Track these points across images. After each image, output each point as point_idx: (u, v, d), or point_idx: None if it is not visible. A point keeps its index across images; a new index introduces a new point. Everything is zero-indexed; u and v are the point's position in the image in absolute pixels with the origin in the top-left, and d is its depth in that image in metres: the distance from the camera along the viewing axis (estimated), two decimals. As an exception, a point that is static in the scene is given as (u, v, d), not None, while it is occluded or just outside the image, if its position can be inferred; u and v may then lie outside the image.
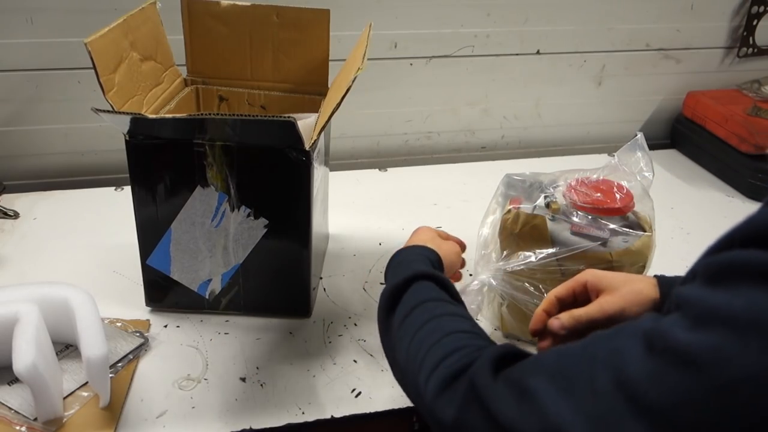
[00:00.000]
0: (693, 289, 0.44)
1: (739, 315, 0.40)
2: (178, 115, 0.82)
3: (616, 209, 0.86)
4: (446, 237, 0.90)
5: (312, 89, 1.05)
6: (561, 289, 0.76)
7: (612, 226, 0.86)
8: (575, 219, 0.87)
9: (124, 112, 0.81)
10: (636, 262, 0.86)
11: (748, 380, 0.39)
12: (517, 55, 1.47)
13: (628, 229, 0.86)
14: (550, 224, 0.87)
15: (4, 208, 1.19)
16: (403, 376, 0.65)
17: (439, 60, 1.43)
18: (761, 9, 1.54)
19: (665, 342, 0.43)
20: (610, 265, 0.84)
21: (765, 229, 0.42)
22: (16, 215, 1.19)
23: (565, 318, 0.72)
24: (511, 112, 1.55)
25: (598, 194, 0.88)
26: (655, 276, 0.74)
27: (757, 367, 0.38)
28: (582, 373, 0.46)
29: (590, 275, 0.75)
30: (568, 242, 0.86)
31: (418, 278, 0.71)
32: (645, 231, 0.87)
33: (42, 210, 1.22)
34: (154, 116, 0.79)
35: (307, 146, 0.83)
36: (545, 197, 0.90)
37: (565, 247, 0.86)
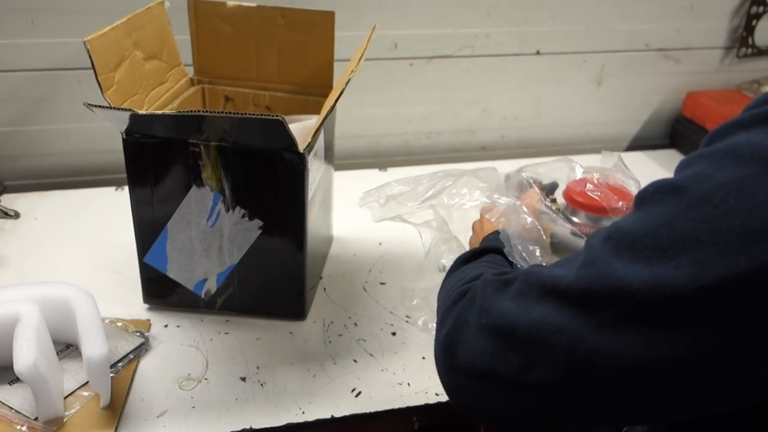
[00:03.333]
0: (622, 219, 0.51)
1: (719, 149, 0.46)
2: (168, 112, 0.82)
3: (616, 209, 0.86)
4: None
5: (317, 91, 1.05)
6: None
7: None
8: (576, 220, 0.87)
9: (115, 108, 0.81)
10: None
11: (722, 188, 0.43)
12: (517, 55, 1.47)
13: None
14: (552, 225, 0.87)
15: (5, 208, 1.19)
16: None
17: (439, 60, 1.43)
18: (761, 9, 1.54)
19: (651, 188, 0.48)
20: None
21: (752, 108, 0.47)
22: (16, 215, 1.19)
23: None
24: (511, 112, 1.55)
25: (598, 193, 0.88)
26: None
27: (729, 178, 0.43)
28: (576, 255, 0.51)
29: None
30: (567, 243, 0.86)
31: (491, 251, 0.74)
32: None
33: (42, 210, 1.22)
34: (144, 112, 0.80)
35: (301, 148, 0.83)
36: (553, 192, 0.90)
37: (565, 247, 0.86)
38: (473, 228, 0.90)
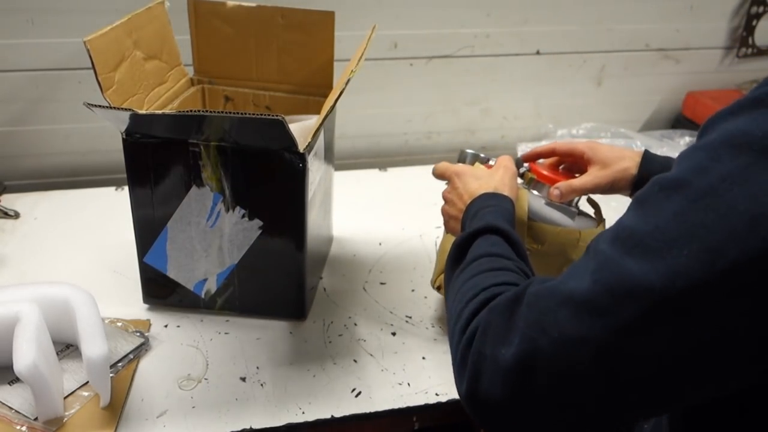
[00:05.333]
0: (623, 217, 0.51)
1: (714, 140, 0.47)
2: (168, 112, 0.82)
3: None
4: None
5: (317, 91, 1.05)
6: (562, 146, 0.91)
7: (578, 204, 0.91)
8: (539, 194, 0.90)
9: (115, 108, 0.81)
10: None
11: (725, 179, 0.44)
12: (517, 55, 1.47)
13: (589, 214, 0.92)
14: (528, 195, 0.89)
15: (5, 208, 1.19)
16: (449, 329, 0.64)
17: (439, 60, 1.43)
18: (760, 9, 1.54)
19: (653, 186, 0.49)
20: (576, 243, 0.87)
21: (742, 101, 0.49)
22: (16, 215, 1.19)
23: (564, 187, 0.87)
24: (511, 112, 1.55)
25: (563, 166, 0.93)
26: (645, 151, 0.86)
27: (730, 168, 0.44)
28: (585, 263, 0.51)
29: (587, 148, 0.88)
30: (542, 214, 0.88)
31: (485, 231, 0.70)
32: (598, 221, 0.91)
33: (43, 210, 1.22)
34: (144, 112, 0.80)
35: (301, 148, 0.83)
36: (521, 168, 0.92)
37: (540, 218, 0.88)
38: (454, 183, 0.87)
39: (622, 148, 0.88)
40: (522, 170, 0.92)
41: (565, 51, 1.50)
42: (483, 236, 0.70)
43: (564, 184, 0.87)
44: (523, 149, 0.99)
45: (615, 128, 1.53)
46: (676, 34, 1.54)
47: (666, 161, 0.85)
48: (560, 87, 1.54)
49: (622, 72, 1.56)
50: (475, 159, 0.93)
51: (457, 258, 0.69)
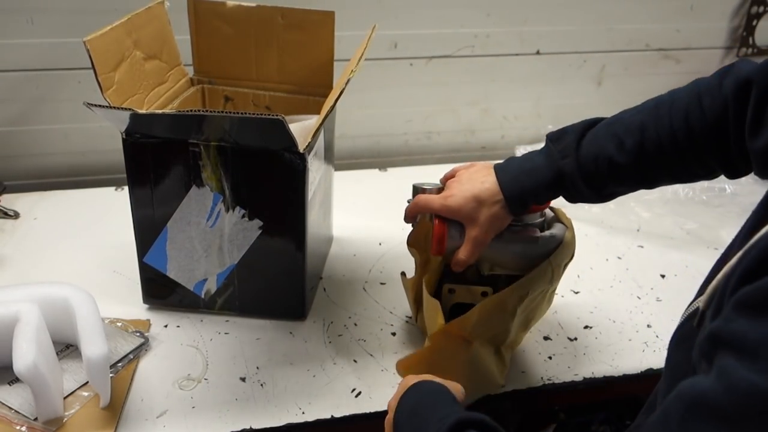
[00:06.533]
0: (740, 325, 0.43)
1: None
2: (168, 111, 0.82)
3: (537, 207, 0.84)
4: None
5: (317, 91, 1.05)
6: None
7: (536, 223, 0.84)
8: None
9: (115, 108, 0.81)
10: (566, 255, 0.85)
11: None
12: (517, 55, 1.47)
13: (553, 225, 0.86)
14: None
15: (5, 208, 1.19)
16: None
17: (439, 60, 1.43)
18: (761, 9, 1.54)
19: (736, 393, 0.41)
20: (549, 263, 0.82)
21: None
22: (16, 215, 1.19)
23: (459, 264, 0.80)
24: (511, 112, 1.55)
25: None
26: (494, 169, 0.80)
27: None
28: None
29: (443, 208, 0.80)
30: (508, 253, 0.83)
31: (469, 425, 0.59)
32: (566, 225, 0.86)
33: (42, 210, 1.22)
34: (144, 112, 0.80)
35: (301, 148, 0.83)
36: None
37: (510, 259, 0.83)
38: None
39: (471, 188, 0.79)
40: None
41: (565, 51, 1.50)
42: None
43: (456, 261, 0.80)
44: (521, 151, 0.98)
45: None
46: (676, 34, 1.54)
47: (519, 172, 0.78)
48: (560, 87, 1.54)
49: (622, 72, 1.56)
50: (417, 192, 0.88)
51: None
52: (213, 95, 1.09)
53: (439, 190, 0.86)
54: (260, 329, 0.96)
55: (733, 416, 0.41)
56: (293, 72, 1.05)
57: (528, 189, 0.78)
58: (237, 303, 0.96)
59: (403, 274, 0.93)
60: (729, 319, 0.44)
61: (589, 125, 0.79)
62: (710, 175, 0.75)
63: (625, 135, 0.74)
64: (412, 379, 0.70)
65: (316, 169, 0.92)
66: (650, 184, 0.79)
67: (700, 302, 0.54)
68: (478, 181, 0.80)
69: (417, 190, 0.88)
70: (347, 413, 0.83)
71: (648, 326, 1.00)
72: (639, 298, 1.07)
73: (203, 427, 0.80)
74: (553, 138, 0.80)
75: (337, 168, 1.13)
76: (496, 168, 0.80)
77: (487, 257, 0.84)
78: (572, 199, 0.80)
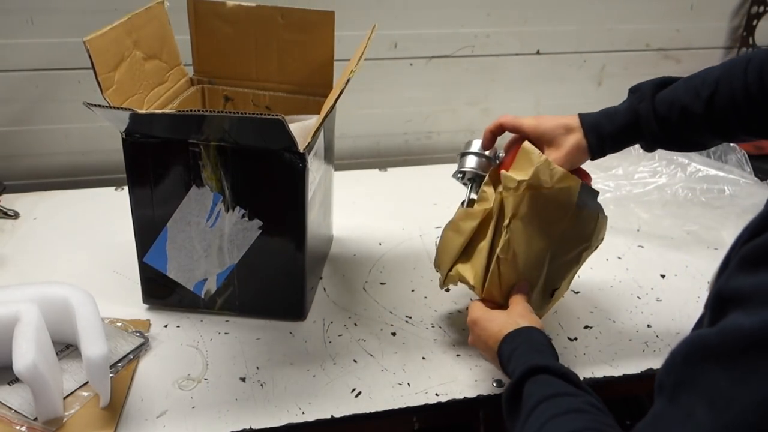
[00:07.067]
0: (738, 281, 0.46)
1: None
2: (167, 111, 0.82)
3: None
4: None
5: (316, 91, 1.05)
6: (507, 121, 0.89)
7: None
8: None
9: (115, 107, 0.81)
10: (602, 232, 0.89)
11: None
12: (517, 55, 1.47)
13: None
14: None
15: (5, 208, 1.19)
16: None
17: (439, 60, 1.43)
18: (761, 9, 1.54)
19: (735, 341, 0.44)
20: (596, 218, 0.86)
21: None
22: (16, 215, 1.19)
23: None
24: (511, 112, 1.53)
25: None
26: (579, 115, 0.85)
27: None
28: (673, 416, 0.47)
29: (531, 129, 0.85)
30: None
31: (529, 375, 0.67)
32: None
33: (42, 210, 1.22)
34: (144, 111, 0.79)
35: (301, 148, 0.83)
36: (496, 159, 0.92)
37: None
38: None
39: (561, 119, 0.86)
40: (497, 160, 0.91)
41: (565, 51, 1.50)
42: (529, 381, 0.67)
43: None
44: None
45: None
46: (676, 34, 1.54)
47: (602, 116, 0.84)
48: (560, 87, 1.54)
49: (622, 72, 1.55)
50: (480, 163, 0.92)
51: (513, 411, 0.67)
52: (213, 95, 1.09)
53: (494, 158, 0.91)
54: (260, 329, 0.96)
55: (721, 356, 0.44)
56: (293, 72, 1.05)
57: (607, 131, 0.83)
58: (237, 303, 0.96)
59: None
60: (730, 276, 0.47)
61: (668, 80, 0.84)
62: None
63: (702, 86, 0.79)
64: (510, 327, 0.78)
65: (316, 169, 0.92)
66: (726, 136, 0.83)
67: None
68: (564, 117, 0.85)
69: (468, 153, 0.93)
70: (347, 413, 0.83)
71: (648, 326, 1.00)
72: (639, 298, 1.07)
73: (203, 427, 0.80)
74: (632, 89, 0.85)
75: (337, 168, 1.13)
76: (580, 114, 0.85)
77: None
78: (649, 146, 0.85)
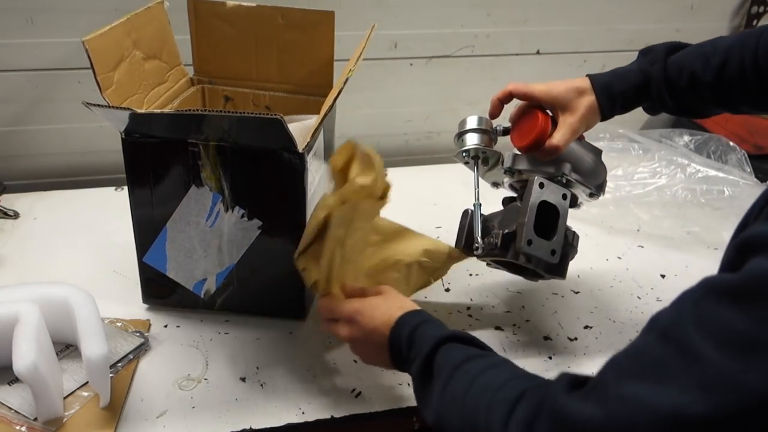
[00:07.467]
0: (763, 229, 0.46)
1: None
2: (167, 111, 0.82)
3: None
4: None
5: (316, 91, 1.05)
6: (517, 88, 0.88)
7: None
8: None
9: (115, 107, 0.81)
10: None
11: None
12: (517, 55, 1.47)
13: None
14: None
15: (4, 208, 1.19)
16: None
17: (439, 60, 1.43)
18: (761, 9, 1.54)
19: (758, 284, 0.43)
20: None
21: None
22: (16, 215, 1.19)
23: (551, 150, 0.84)
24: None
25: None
26: (589, 76, 0.86)
27: None
28: (670, 356, 0.46)
29: (544, 94, 0.85)
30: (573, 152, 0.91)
31: (441, 343, 0.68)
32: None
33: (42, 210, 1.22)
34: (143, 111, 0.79)
35: (300, 148, 0.83)
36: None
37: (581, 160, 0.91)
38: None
39: (571, 82, 0.86)
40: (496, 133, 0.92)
41: (565, 51, 1.50)
42: (441, 350, 0.67)
43: (550, 147, 0.84)
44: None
45: (614, 128, 1.53)
46: (676, 34, 1.53)
47: (612, 76, 0.86)
48: (560, 87, 1.54)
49: (622, 72, 1.55)
50: (482, 138, 0.92)
51: (425, 382, 0.66)
52: (213, 95, 1.09)
53: (493, 132, 0.92)
54: (260, 329, 0.96)
55: (742, 297, 0.43)
56: (293, 72, 1.05)
57: (618, 90, 0.84)
58: (237, 303, 0.96)
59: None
60: (754, 227, 0.48)
61: (679, 45, 0.86)
62: None
63: (712, 55, 0.80)
64: (398, 311, 0.75)
65: (315, 168, 0.92)
66: (727, 106, 0.84)
67: None
68: (574, 80, 0.86)
69: (468, 131, 0.93)
70: (347, 413, 0.83)
71: (648, 326, 1.00)
72: (639, 298, 1.07)
73: (203, 427, 0.80)
74: (644, 51, 0.87)
75: (337, 168, 1.13)
76: (589, 75, 0.86)
77: (569, 157, 0.88)
78: (654, 109, 0.86)
